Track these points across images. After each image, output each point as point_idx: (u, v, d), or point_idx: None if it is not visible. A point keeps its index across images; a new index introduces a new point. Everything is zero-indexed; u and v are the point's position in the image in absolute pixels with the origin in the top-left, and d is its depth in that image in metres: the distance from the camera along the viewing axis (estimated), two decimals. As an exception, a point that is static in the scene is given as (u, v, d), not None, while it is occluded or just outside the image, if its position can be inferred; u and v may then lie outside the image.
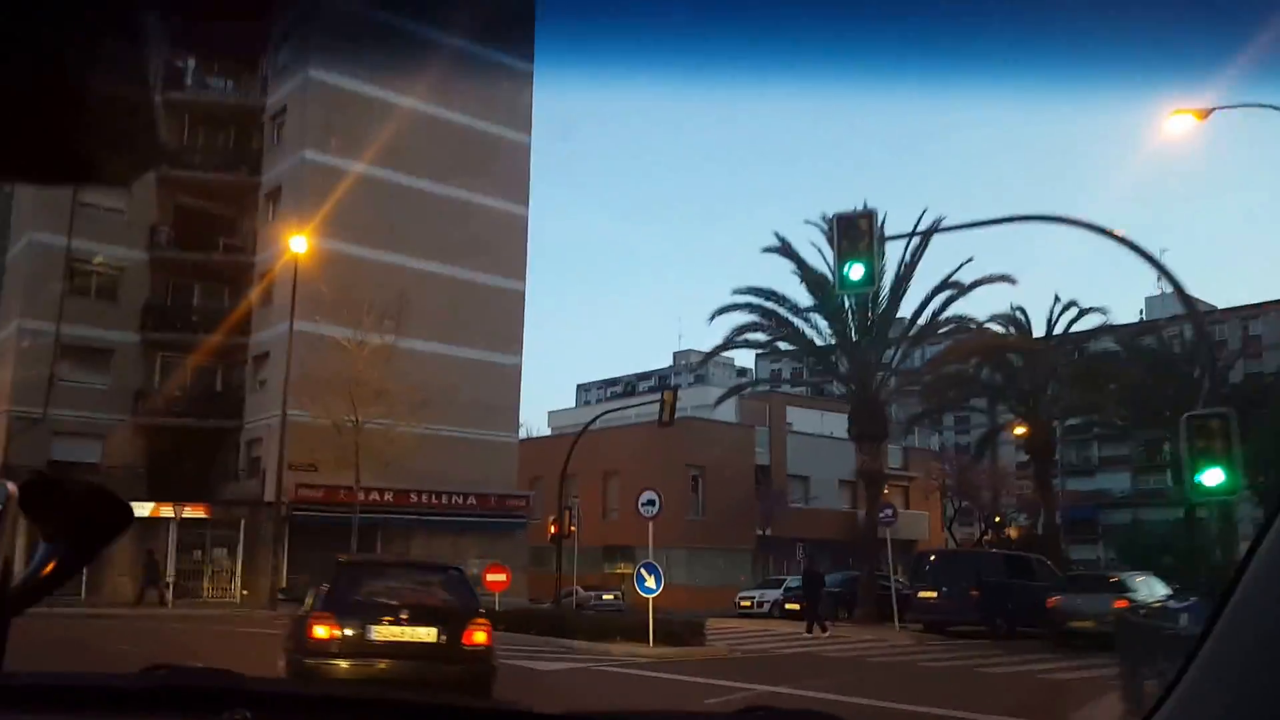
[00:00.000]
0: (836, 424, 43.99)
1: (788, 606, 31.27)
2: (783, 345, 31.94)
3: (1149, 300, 70.14)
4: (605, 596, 34.82)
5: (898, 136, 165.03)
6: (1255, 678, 1.07)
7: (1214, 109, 16.78)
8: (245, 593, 30.03)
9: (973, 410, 48.86)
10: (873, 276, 14.79)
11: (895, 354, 31.47)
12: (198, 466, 33.93)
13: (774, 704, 2.33)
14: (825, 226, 28.60)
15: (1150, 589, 21.05)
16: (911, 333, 30.77)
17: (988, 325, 33.16)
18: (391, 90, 34.77)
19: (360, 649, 8.93)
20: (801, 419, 48.89)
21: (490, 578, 23.65)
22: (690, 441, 41.43)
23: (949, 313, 30.25)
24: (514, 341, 37.53)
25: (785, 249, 30.14)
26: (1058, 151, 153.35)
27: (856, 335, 30.38)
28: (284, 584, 28.00)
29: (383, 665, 8.85)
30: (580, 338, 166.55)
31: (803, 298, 30.62)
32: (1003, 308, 44.91)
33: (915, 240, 29.17)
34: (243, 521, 31.18)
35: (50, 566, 1.21)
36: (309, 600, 9.97)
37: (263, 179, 36.09)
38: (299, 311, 28.77)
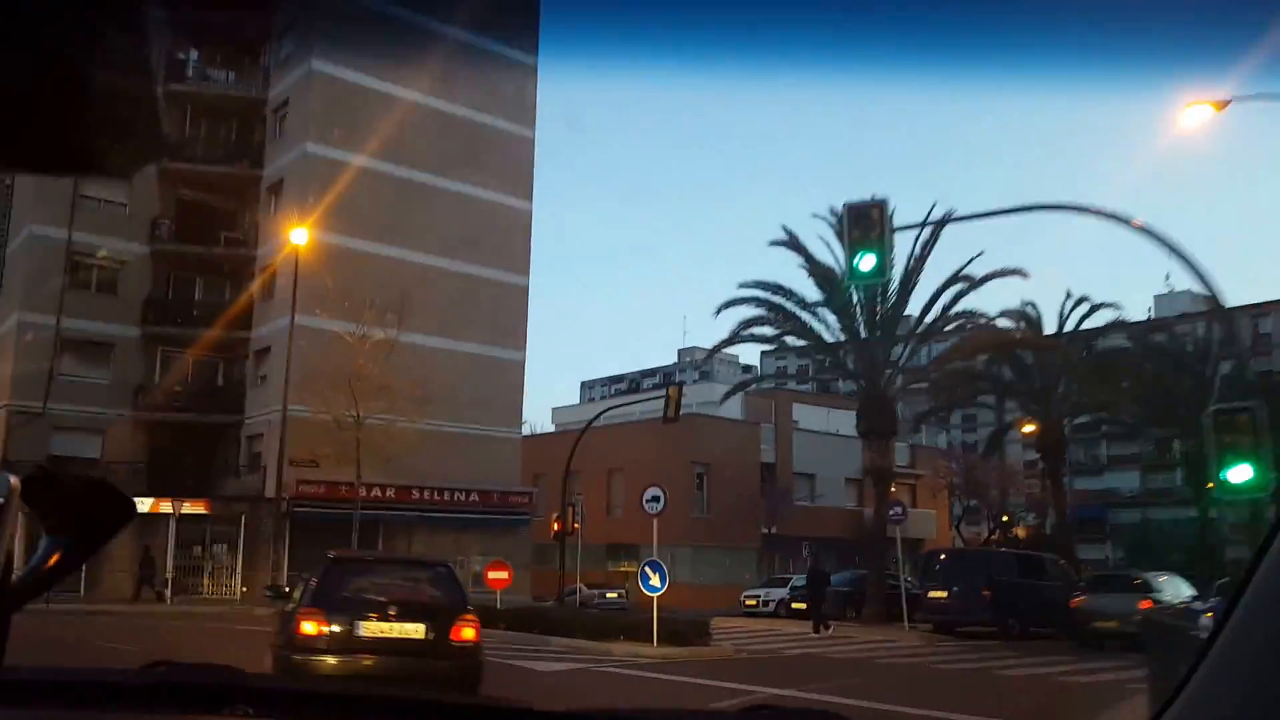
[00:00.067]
0: (843, 421, 43.60)
1: (794, 606, 30.91)
2: (790, 340, 31.49)
3: (1158, 298, 69.68)
4: (609, 595, 34.43)
5: (907, 130, 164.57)
6: (1266, 677, 1.06)
7: (1231, 100, 16.37)
8: (245, 589, 29.73)
9: (981, 407, 48.43)
10: (884, 267, 14.44)
11: (905, 349, 31.05)
12: (198, 462, 33.69)
13: (780, 705, 2.13)
14: (833, 220, 28.22)
15: (1175, 589, 20.72)
16: (922, 328, 30.33)
17: (998, 321, 32.74)
18: (394, 83, 34.47)
19: (348, 645, 8.87)
20: (808, 416, 48.49)
21: (492, 575, 23.35)
22: (695, 438, 41.09)
23: (959, 307, 29.82)
24: (517, 337, 37.21)
25: (793, 242, 29.74)
26: (1070, 144, 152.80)
27: (865, 330, 29.95)
28: (285, 580, 27.68)
29: (369, 661, 8.77)
30: (585, 335, 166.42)
31: (810, 292, 30.26)
32: (1011, 303, 44.52)
33: (925, 234, 28.77)
34: (243, 517, 30.93)
35: (52, 560, 1.21)
36: (297, 595, 9.85)
37: (265, 172, 35.80)
38: (300, 306, 28.44)
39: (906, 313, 30.65)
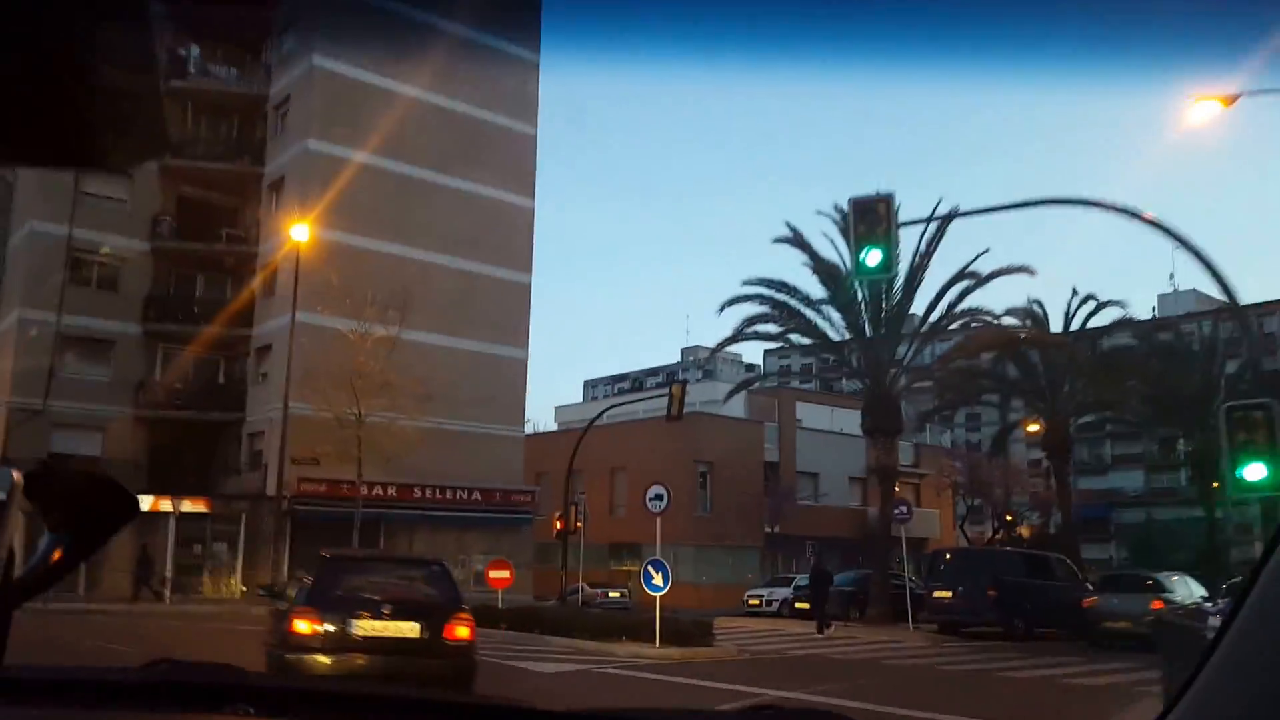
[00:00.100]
0: (846, 420, 43.38)
1: (797, 605, 30.71)
2: (795, 338, 31.25)
3: (1161, 297, 69.40)
4: (612, 594, 34.29)
5: (911, 128, 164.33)
6: (1271, 678, 1.05)
7: (1240, 95, 16.14)
8: (245, 589, 29.54)
9: (985, 405, 48.21)
10: (891, 263, 14.21)
11: (910, 347, 30.82)
12: (199, 460, 33.57)
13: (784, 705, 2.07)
14: (837, 217, 28.02)
15: (1188, 590, 20.54)
16: (927, 325, 30.08)
17: (1003, 319, 32.49)
18: (396, 79, 34.30)
19: (341, 644, 8.81)
20: (811, 415, 48.27)
21: (493, 574, 23.18)
22: (698, 437, 40.90)
23: (965, 305, 29.57)
24: (520, 335, 37.02)
25: (797, 239, 29.51)
26: (1074, 142, 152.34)
27: (870, 328, 29.72)
28: (285, 579, 27.51)
29: (362, 660, 8.70)
30: (588, 334, 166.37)
31: (815, 290, 30.03)
32: (1015, 301, 44.27)
33: (930, 231, 28.54)
34: (243, 516, 30.75)
35: (55, 556, 1.20)
36: (292, 594, 9.80)
37: (266, 169, 35.64)
38: (302, 303, 28.25)
39: (911, 310, 30.43)
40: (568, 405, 70.99)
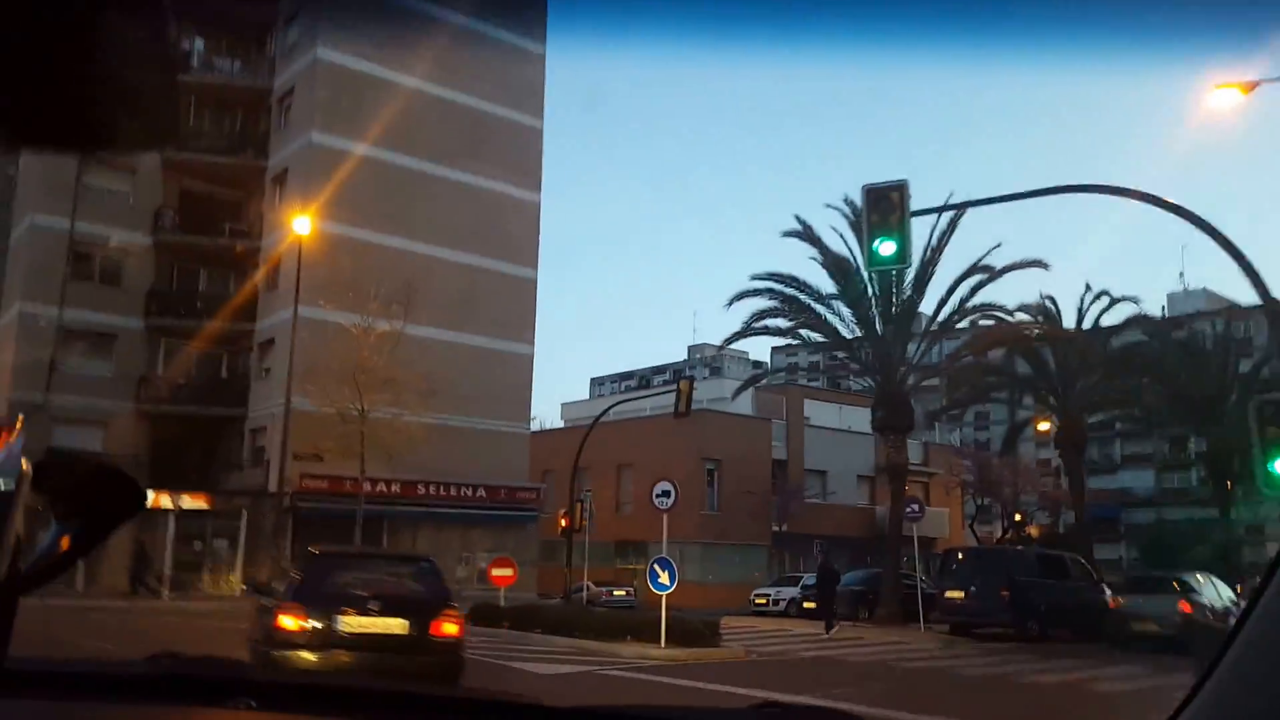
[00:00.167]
0: (855, 418, 42.99)
1: (805, 605, 30.32)
2: (804, 333, 30.78)
3: (1171, 296, 68.78)
4: (617, 593, 33.92)
5: (922, 121, 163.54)
6: None
7: (1260, 82, 15.71)
8: (245, 586, 29.24)
9: (994, 403, 47.75)
10: (905, 253, 13.83)
11: (921, 343, 30.34)
12: (201, 456, 33.29)
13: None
14: (847, 210, 27.55)
15: (1215, 591, 20.07)
16: (940, 320, 29.56)
17: (1017, 314, 32.00)
18: (401, 72, 33.95)
19: (327, 640, 8.70)
20: (819, 412, 47.87)
21: (496, 572, 22.80)
22: (705, 434, 40.54)
23: (978, 299, 29.06)
24: (525, 330, 36.66)
25: (806, 233, 29.03)
26: (1090, 131, 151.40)
27: (881, 322, 29.24)
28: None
29: (347, 657, 8.60)
30: (595, 331, 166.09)
31: (824, 285, 29.55)
32: (1027, 297, 43.73)
33: (943, 224, 28.04)
34: (245, 512, 30.44)
35: (62, 546, 1.19)
36: (280, 590, 9.75)
37: (269, 162, 35.36)
38: (304, 297, 27.90)
39: (922, 307, 29.95)
40: (574, 402, 70.62)
